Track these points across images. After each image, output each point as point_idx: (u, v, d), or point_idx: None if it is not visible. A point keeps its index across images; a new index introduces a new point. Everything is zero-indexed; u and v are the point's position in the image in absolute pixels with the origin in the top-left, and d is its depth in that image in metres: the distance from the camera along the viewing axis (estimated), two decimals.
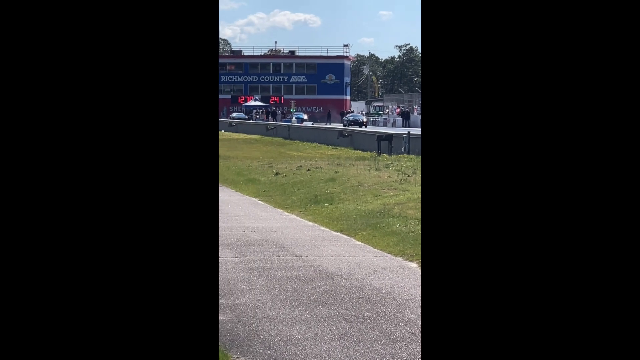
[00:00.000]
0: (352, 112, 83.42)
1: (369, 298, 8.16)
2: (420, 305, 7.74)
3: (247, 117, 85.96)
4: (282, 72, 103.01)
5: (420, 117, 66.92)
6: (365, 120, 68.63)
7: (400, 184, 18.40)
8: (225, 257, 10.54)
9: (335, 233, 12.92)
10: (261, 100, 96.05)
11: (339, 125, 59.51)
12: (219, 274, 9.17)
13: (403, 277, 9.23)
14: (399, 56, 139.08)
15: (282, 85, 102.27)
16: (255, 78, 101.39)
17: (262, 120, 79.29)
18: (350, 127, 54.41)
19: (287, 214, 15.75)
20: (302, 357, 6.34)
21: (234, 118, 79.00)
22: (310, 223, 14.24)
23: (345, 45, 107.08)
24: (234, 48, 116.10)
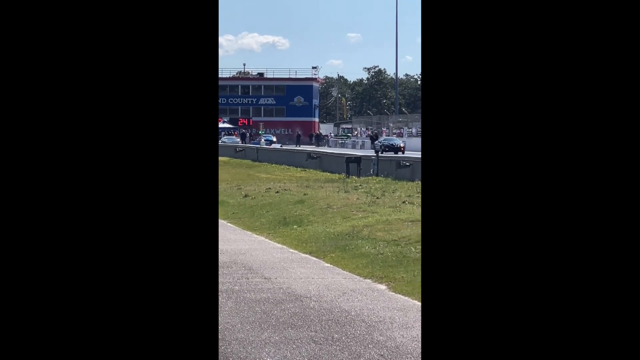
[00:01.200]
0: (365, 133, 78.90)
1: (338, 320, 8.15)
2: (389, 327, 7.75)
3: (239, 140, 77.35)
4: (250, 94, 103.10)
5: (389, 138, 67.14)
6: (402, 145, 56.16)
7: (369, 206, 18.42)
8: None
9: (304, 255, 12.91)
10: (230, 122, 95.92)
11: (308, 148, 59.36)
12: None
13: (372, 299, 9.23)
14: (368, 78, 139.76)
15: (251, 107, 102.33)
16: (224, 100, 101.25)
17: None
18: (386, 154, 40.86)
19: (255, 236, 15.71)
20: None
21: (225, 143, 69.94)
22: (279, 245, 14.21)
23: (313, 68, 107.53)
24: None
